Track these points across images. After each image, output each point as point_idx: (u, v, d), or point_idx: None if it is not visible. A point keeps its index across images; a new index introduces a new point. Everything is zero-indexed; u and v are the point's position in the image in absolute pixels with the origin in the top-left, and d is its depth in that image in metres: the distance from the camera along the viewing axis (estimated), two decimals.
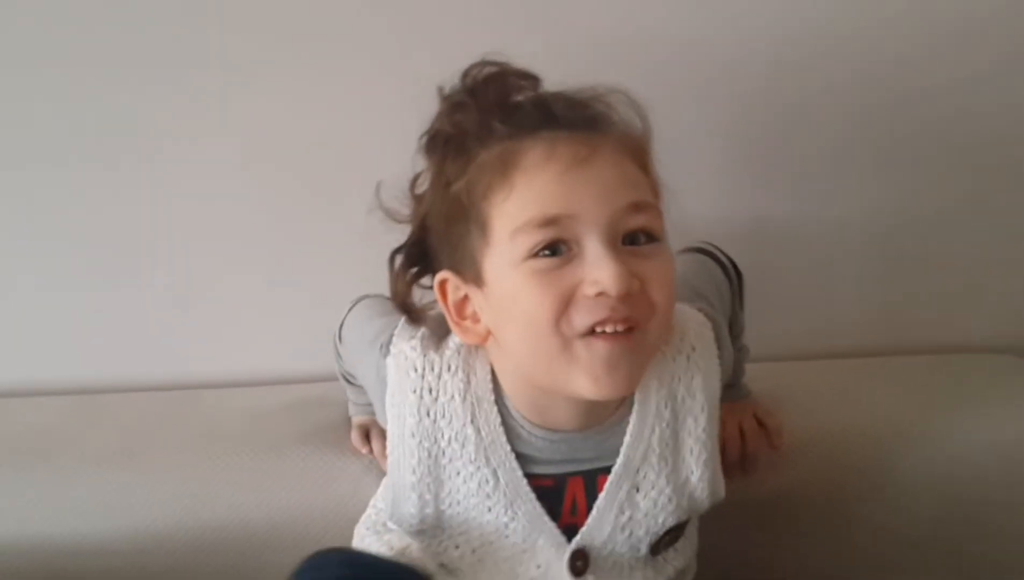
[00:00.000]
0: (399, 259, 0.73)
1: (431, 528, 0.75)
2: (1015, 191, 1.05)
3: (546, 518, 0.73)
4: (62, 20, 0.95)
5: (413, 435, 0.72)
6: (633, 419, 0.72)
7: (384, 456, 0.90)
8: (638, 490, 0.73)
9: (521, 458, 0.72)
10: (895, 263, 1.07)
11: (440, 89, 0.69)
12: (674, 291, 0.66)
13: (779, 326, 1.04)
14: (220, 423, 0.97)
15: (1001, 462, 0.94)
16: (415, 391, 0.72)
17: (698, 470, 0.74)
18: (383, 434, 0.91)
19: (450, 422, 0.72)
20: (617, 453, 0.72)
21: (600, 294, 0.62)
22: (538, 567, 0.74)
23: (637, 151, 0.67)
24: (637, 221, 0.64)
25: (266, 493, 0.91)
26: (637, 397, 0.72)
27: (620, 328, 0.63)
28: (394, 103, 0.96)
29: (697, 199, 0.98)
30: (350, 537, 0.89)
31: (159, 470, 0.92)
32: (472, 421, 0.72)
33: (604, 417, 0.72)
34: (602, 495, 0.73)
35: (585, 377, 0.64)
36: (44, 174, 1.00)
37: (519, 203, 0.64)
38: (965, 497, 0.93)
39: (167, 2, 0.95)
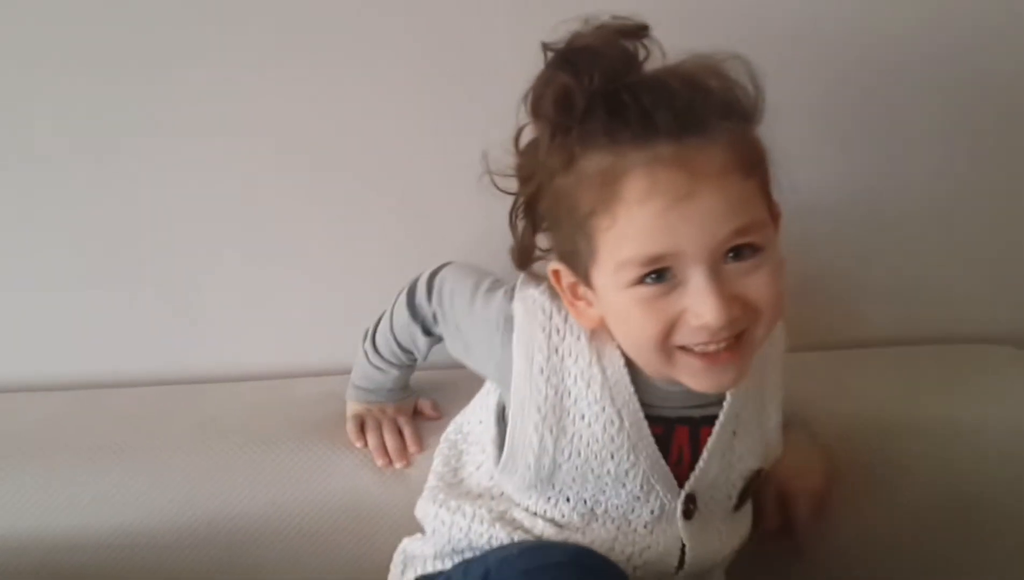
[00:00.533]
0: (520, 221, 0.75)
1: (542, 483, 0.77)
2: (1016, 181, 1.04)
3: (663, 463, 0.75)
4: (62, 16, 0.94)
5: (542, 372, 0.74)
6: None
7: (379, 448, 0.91)
8: (735, 434, 0.77)
9: (641, 407, 0.75)
10: (894, 253, 1.06)
11: (544, 45, 0.68)
12: (780, 292, 0.68)
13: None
14: (215, 418, 0.96)
15: (1000, 453, 0.93)
16: (544, 330, 0.74)
17: (775, 415, 0.81)
18: (378, 426, 0.93)
19: (576, 361, 0.74)
20: (719, 404, 0.76)
21: (703, 325, 0.65)
22: (652, 512, 0.77)
23: (744, 153, 0.66)
24: (740, 241, 0.65)
25: (261, 488, 0.91)
26: None
27: (723, 346, 0.67)
28: (394, 96, 0.97)
29: None
30: (345, 531, 0.90)
31: (154, 465, 0.92)
32: (599, 361, 0.73)
33: None
34: (711, 439, 0.76)
35: (687, 377, 0.69)
36: (42, 171, 0.99)
37: (623, 237, 0.65)
38: (963, 488, 0.92)
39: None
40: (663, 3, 0.70)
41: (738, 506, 0.80)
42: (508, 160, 0.74)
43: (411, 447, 0.92)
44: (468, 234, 0.97)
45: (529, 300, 0.75)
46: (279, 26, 0.95)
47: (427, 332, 0.87)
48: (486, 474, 0.82)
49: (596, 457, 0.75)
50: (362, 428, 0.93)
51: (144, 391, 1.03)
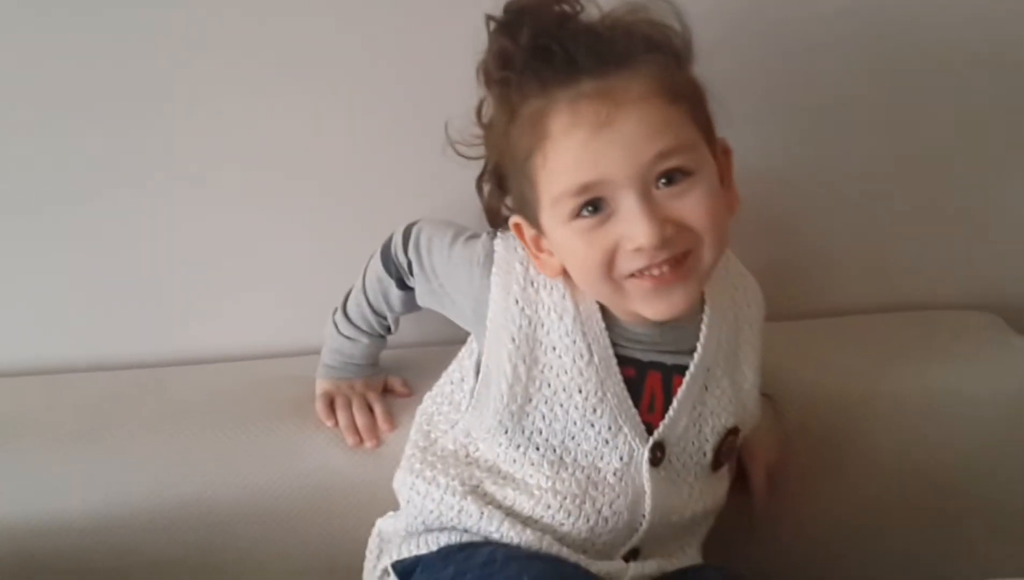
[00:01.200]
0: (485, 185, 0.80)
1: (514, 422, 0.77)
2: (1000, 147, 1.03)
3: (630, 403, 0.77)
4: (48, 49, 0.93)
5: (517, 302, 0.77)
6: (706, 318, 0.78)
7: (350, 427, 0.91)
8: (707, 388, 0.79)
9: (612, 343, 0.77)
10: (875, 220, 1.05)
11: (487, 20, 0.73)
12: (717, 213, 0.71)
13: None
14: (185, 401, 0.96)
15: (977, 420, 0.93)
16: (522, 263, 0.78)
17: (751, 376, 0.82)
18: (348, 404, 0.92)
19: (551, 293, 0.77)
20: (690, 354, 0.78)
21: (639, 248, 0.68)
22: (621, 459, 0.77)
23: (666, 82, 0.69)
24: (667, 164, 0.68)
25: (233, 469, 0.90)
26: (708, 299, 0.78)
27: (666, 269, 0.69)
28: (370, 90, 0.96)
29: None
30: (318, 511, 0.90)
31: (125, 448, 0.92)
32: (572, 295, 0.76)
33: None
34: (682, 388, 0.77)
35: (641, 305, 0.72)
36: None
37: (553, 172, 0.69)
38: (939, 457, 0.93)
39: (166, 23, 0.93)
40: None
41: (716, 466, 0.81)
42: (474, 131, 0.78)
43: (382, 425, 0.91)
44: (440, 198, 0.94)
45: (510, 238, 0.79)
46: (272, 35, 0.94)
47: (401, 285, 0.87)
48: (461, 431, 0.82)
49: (565, 389, 0.76)
50: (332, 407, 0.92)
51: (111, 375, 1.02)
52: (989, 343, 0.99)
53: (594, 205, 0.69)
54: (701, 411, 0.79)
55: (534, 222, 0.74)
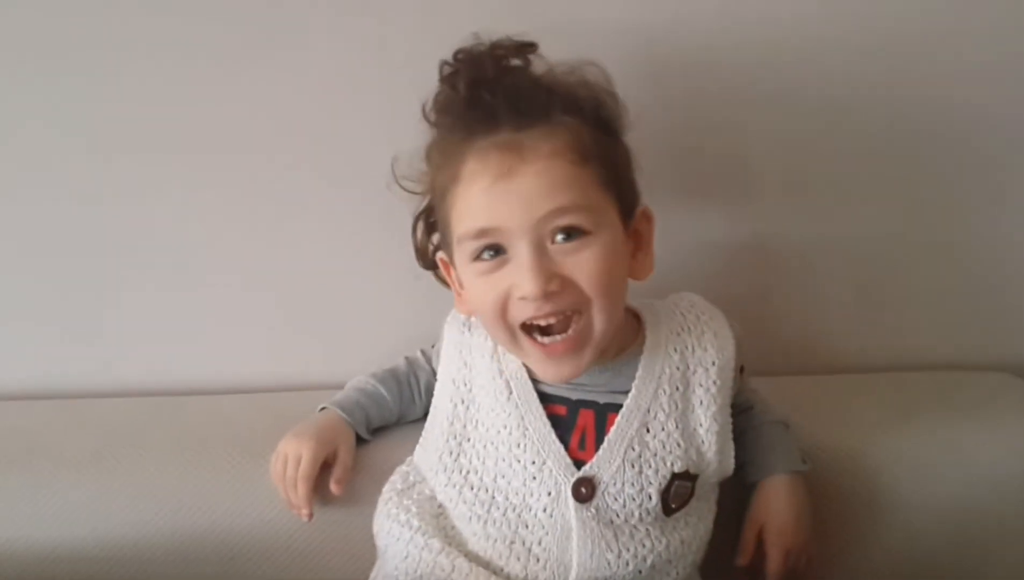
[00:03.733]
0: (420, 224, 0.84)
1: (453, 460, 0.80)
2: (1009, 210, 1.04)
3: (554, 437, 0.78)
4: (44, 17, 0.93)
5: (455, 345, 0.84)
6: (643, 360, 0.79)
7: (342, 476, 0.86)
8: (648, 430, 0.78)
9: (533, 381, 0.80)
10: (890, 279, 1.06)
11: (440, 64, 0.77)
12: (608, 278, 0.73)
13: (771, 341, 1.03)
14: (201, 430, 0.95)
15: (995, 480, 0.92)
16: (462, 321, 0.84)
17: (707, 421, 0.80)
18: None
19: (478, 335, 0.82)
20: (625, 392, 0.78)
21: (524, 297, 0.71)
22: (548, 494, 0.77)
23: (577, 144, 0.73)
24: (562, 222, 0.71)
25: (247, 501, 0.90)
26: (648, 337, 0.80)
27: (552, 321, 0.73)
28: (378, 104, 0.96)
29: (691, 219, 1.00)
30: (329, 545, 0.89)
31: (139, 476, 0.91)
32: (493, 338, 0.80)
33: (609, 355, 0.79)
34: (613, 428, 0.78)
35: (533, 365, 0.77)
36: (28, 177, 0.99)
37: (460, 213, 0.74)
38: (958, 516, 0.92)
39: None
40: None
41: (669, 510, 0.78)
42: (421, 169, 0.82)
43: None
44: None
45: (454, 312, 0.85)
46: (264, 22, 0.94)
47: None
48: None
49: (493, 426, 0.79)
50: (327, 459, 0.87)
51: (129, 402, 1.02)
52: (1010, 403, 0.99)
53: (495, 249, 0.73)
54: (641, 452, 0.78)
55: (451, 259, 0.79)
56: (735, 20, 0.94)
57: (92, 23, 0.93)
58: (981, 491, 0.92)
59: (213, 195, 1.00)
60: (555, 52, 0.76)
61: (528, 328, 0.74)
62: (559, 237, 0.71)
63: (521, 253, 0.71)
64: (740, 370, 0.90)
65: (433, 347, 0.91)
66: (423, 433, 0.85)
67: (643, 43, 0.93)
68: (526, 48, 0.76)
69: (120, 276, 1.02)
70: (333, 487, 0.85)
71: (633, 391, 0.78)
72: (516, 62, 0.76)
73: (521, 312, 0.73)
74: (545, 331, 0.74)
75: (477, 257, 0.73)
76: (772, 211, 1.02)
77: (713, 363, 0.81)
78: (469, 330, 0.83)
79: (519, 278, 0.71)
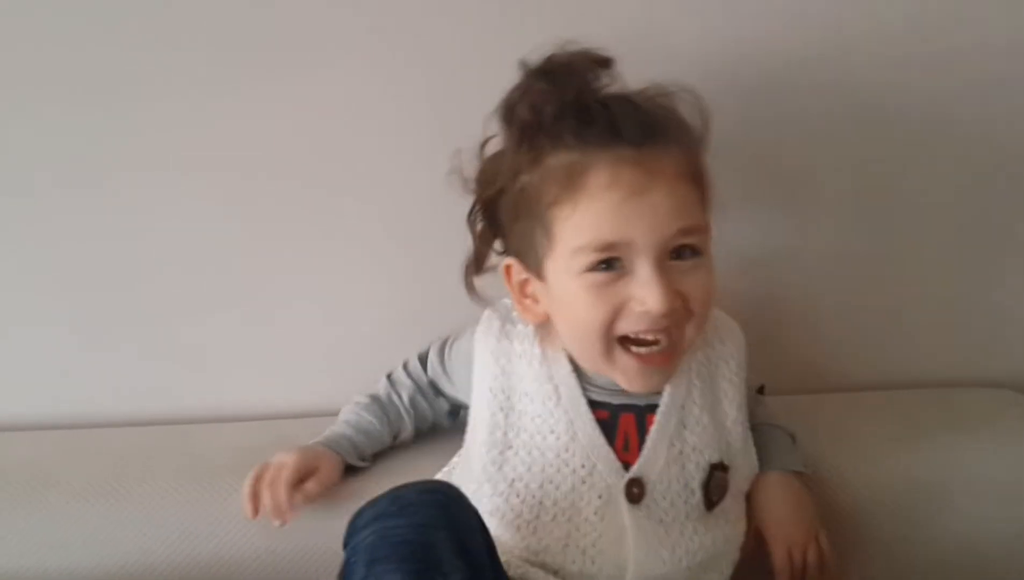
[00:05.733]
0: (478, 223, 0.83)
1: (497, 469, 0.80)
2: (1013, 225, 1.04)
3: (603, 441, 0.79)
4: (32, 40, 0.94)
5: (492, 353, 0.83)
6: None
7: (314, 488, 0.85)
8: (685, 426, 0.80)
9: (580, 387, 0.80)
10: (892, 296, 1.06)
11: (522, 63, 0.77)
12: (711, 299, 0.76)
13: (776, 360, 1.03)
14: (210, 459, 0.95)
15: (1004, 497, 0.92)
16: (500, 319, 0.84)
17: (732, 412, 0.83)
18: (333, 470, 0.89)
19: (521, 341, 0.82)
20: (659, 393, 0.80)
21: (646, 311, 0.72)
22: (599, 497, 0.78)
23: (692, 167, 0.76)
24: (685, 241, 0.74)
25: (254, 529, 0.89)
26: None
27: (656, 349, 0.74)
28: (388, 127, 0.97)
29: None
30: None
31: (147, 506, 0.91)
32: (539, 342, 0.82)
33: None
34: (654, 426, 0.79)
35: (621, 376, 0.77)
36: (29, 207, 1.00)
37: (581, 224, 0.73)
38: (968, 534, 0.91)
39: (143, 23, 0.94)
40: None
41: (710, 504, 0.80)
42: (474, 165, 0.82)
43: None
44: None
45: (488, 310, 0.85)
46: (262, 43, 0.95)
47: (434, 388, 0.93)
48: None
49: (539, 432, 0.80)
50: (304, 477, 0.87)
51: (136, 431, 1.02)
52: (1014, 420, 0.99)
53: (608, 263, 0.73)
54: (681, 448, 0.80)
55: (535, 267, 0.78)
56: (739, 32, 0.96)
57: (128, 53, 0.95)
58: (991, 509, 0.91)
59: (214, 221, 1.00)
60: None
61: (625, 340, 0.75)
62: (673, 256, 0.73)
63: (645, 268, 0.72)
64: (760, 389, 0.93)
65: (443, 350, 0.91)
66: (463, 449, 0.85)
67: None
68: (606, 63, 0.77)
69: (127, 305, 1.03)
70: (300, 494, 0.84)
71: (668, 389, 0.80)
72: (601, 79, 0.76)
73: (634, 325, 0.74)
74: (641, 343, 0.75)
75: (591, 269, 0.73)
76: (774, 229, 1.03)
77: (732, 357, 0.84)
78: (507, 338, 0.83)
79: (644, 293, 0.72)
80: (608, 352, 0.76)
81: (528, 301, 0.80)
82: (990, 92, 0.99)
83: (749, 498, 0.85)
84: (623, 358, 0.75)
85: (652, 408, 0.80)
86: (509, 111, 0.77)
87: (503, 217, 0.79)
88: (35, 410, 1.05)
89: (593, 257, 0.73)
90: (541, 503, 0.79)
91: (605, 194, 0.72)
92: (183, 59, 0.95)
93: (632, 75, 0.76)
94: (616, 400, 0.80)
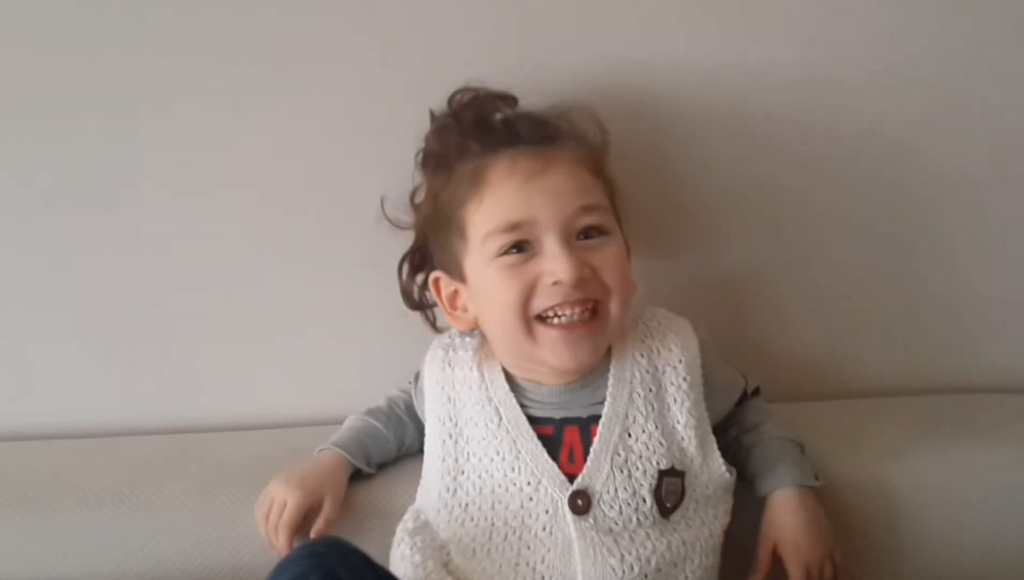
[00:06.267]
0: (405, 266, 0.90)
1: (452, 495, 0.82)
2: (1011, 228, 1.04)
3: (547, 457, 0.80)
4: (40, 60, 0.96)
5: (438, 382, 0.86)
6: (612, 368, 0.83)
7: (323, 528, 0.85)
8: (629, 434, 0.81)
9: (521, 406, 0.83)
10: (903, 301, 1.06)
11: (431, 113, 0.87)
12: (626, 274, 0.81)
13: (784, 367, 1.04)
14: (225, 467, 0.96)
15: (1017, 503, 0.91)
16: (443, 348, 0.88)
17: (683, 417, 0.83)
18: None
19: (461, 368, 0.86)
20: (601, 402, 0.82)
21: (556, 282, 0.76)
22: (546, 512, 0.79)
23: (590, 160, 0.82)
24: (588, 220, 0.79)
25: None
26: (614, 350, 0.84)
27: (576, 312, 0.78)
28: (385, 139, 0.97)
29: (705, 241, 1.01)
30: None
31: (163, 514, 0.92)
32: (478, 367, 0.85)
33: (586, 371, 0.82)
34: (596, 438, 0.81)
35: (549, 353, 0.79)
36: (47, 219, 1.01)
37: (488, 212, 0.79)
38: (981, 541, 0.91)
39: (150, 40, 0.96)
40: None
41: (665, 511, 0.79)
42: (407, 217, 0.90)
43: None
44: None
45: (435, 339, 0.90)
46: (268, 62, 0.97)
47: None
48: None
49: (486, 455, 0.82)
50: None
51: (151, 439, 1.03)
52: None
53: (519, 247, 0.78)
54: (627, 456, 0.80)
55: (457, 273, 0.83)
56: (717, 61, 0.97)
57: (143, 71, 0.97)
58: (1004, 514, 0.91)
59: (228, 231, 1.02)
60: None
61: (544, 318, 0.78)
62: (581, 236, 0.78)
63: (552, 243, 0.77)
64: (755, 391, 0.92)
65: (412, 383, 0.93)
66: (421, 478, 0.87)
67: (626, 82, 0.96)
68: (510, 99, 0.86)
69: (141, 314, 1.04)
70: (313, 535, 0.85)
71: (608, 399, 0.82)
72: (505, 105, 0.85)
73: (549, 299, 0.77)
74: (560, 318, 0.78)
75: (503, 253, 0.78)
76: (781, 237, 1.03)
77: (680, 361, 0.84)
78: (450, 366, 0.86)
79: (552, 265, 0.76)
80: (529, 332, 0.79)
81: (458, 311, 0.85)
82: (988, 98, 0.99)
83: (764, 515, 0.85)
84: (545, 333, 0.78)
85: (596, 419, 0.81)
86: (424, 155, 0.87)
87: (428, 239, 0.86)
88: (51, 419, 1.06)
89: (502, 240, 0.78)
90: (493, 524, 0.80)
91: (506, 181, 0.78)
92: (194, 81, 0.97)
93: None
94: (558, 414, 0.82)
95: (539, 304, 0.78)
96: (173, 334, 1.05)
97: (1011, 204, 1.03)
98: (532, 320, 0.78)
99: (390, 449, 0.93)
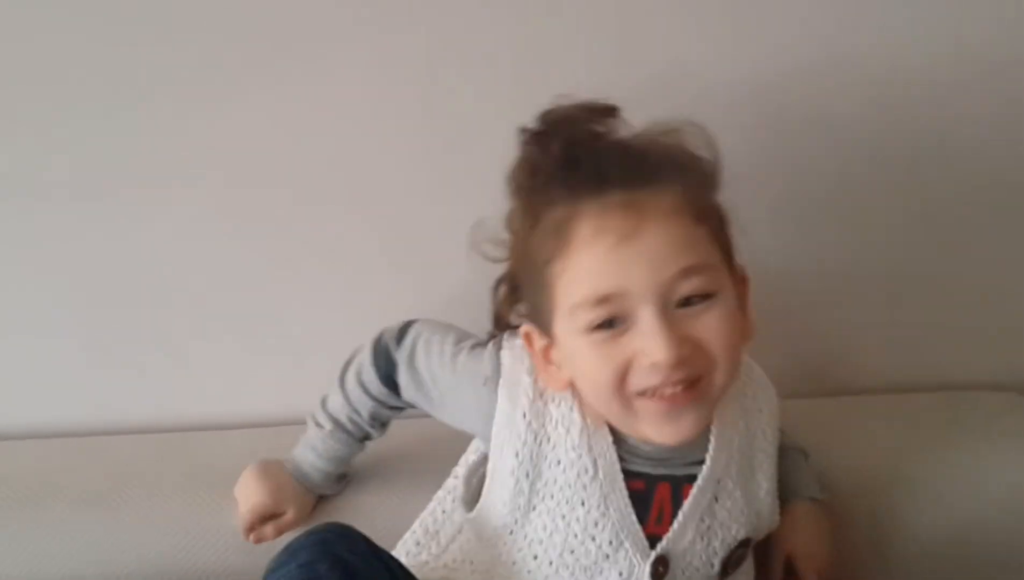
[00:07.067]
0: (502, 289, 0.80)
1: (517, 528, 0.77)
2: (1016, 227, 1.05)
3: (634, 518, 0.75)
4: (41, 41, 0.94)
5: (524, 415, 0.76)
6: (714, 429, 0.76)
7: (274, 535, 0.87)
8: (717, 500, 0.77)
9: (620, 459, 0.75)
10: (895, 300, 1.06)
11: (520, 131, 0.73)
12: (734, 338, 0.70)
13: (779, 363, 1.02)
14: (211, 466, 0.95)
15: (1008, 501, 0.92)
16: (530, 374, 0.76)
17: (766, 483, 0.80)
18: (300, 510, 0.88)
19: (559, 406, 0.76)
20: (701, 463, 0.76)
21: (653, 362, 0.67)
22: (620, 574, 0.75)
23: (695, 203, 0.69)
24: (689, 286, 0.68)
25: None
26: (716, 411, 0.75)
27: (679, 389, 0.68)
28: (389, 131, 0.97)
29: None
30: None
31: (148, 513, 0.91)
32: (579, 408, 0.75)
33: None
34: (688, 500, 0.75)
35: (649, 427, 0.71)
36: (33, 214, 1.00)
37: (575, 280, 0.69)
38: (973, 538, 0.91)
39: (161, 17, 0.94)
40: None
41: (724, 574, 0.78)
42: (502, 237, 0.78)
43: None
44: (459, 284, 0.93)
45: (517, 349, 0.78)
46: (277, 42, 0.95)
47: (388, 381, 0.84)
48: (465, 538, 0.82)
49: (568, 502, 0.75)
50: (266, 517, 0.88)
51: (135, 439, 1.02)
52: (1020, 423, 0.99)
53: (610, 322, 0.68)
54: (711, 524, 0.77)
55: (546, 331, 0.73)
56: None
57: (139, 63, 0.95)
58: (995, 512, 0.91)
59: (216, 228, 1.01)
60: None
61: (643, 395, 0.70)
62: (685, 303, 0.68)
63: (647, 318, 0.67)
64: None
65: (426, 388, 0.83)
66: (481, 499, 0.80)
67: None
68: (609, 111, 0.73)
69: (127, 312, 1.03)
70: (255, 537, 0.87)
71: (708, 462, 0.76)
72: (602, 127, 0.72)
73: (646, 380, 0.68)
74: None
75: (593, 328, 0.68)
76: (775, 230, 1.02)
77: (769, 425, 0.80)
78: (543, 401, 0.76)
79: (648, 344, 0.67)
80: (628, 407, 0.70)
81: (552, 368, 0.75)
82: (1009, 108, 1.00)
83: (779, 527, 0.84)
84: (645, 406, 0.70)
85: (691, 478, 0.76)
86: (511, 181, 0.75)
87: (519, 284, 0.78)
88: (37, 418, 1.05)
89: (592, 315, 0.68)
90: (557, 571, 0.76)
91: (593, 243, 0.67)
92: (191, 71, 0.95)
93: (656, 112, 0.73)
94: (656, 471, 0.76)
95: (637, 383, 0.69)
96: (159, 332, 1.04)
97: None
98: (630, 397, 0.70)
99: (355, 454, 0.91)
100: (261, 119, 0.97)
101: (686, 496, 0.76)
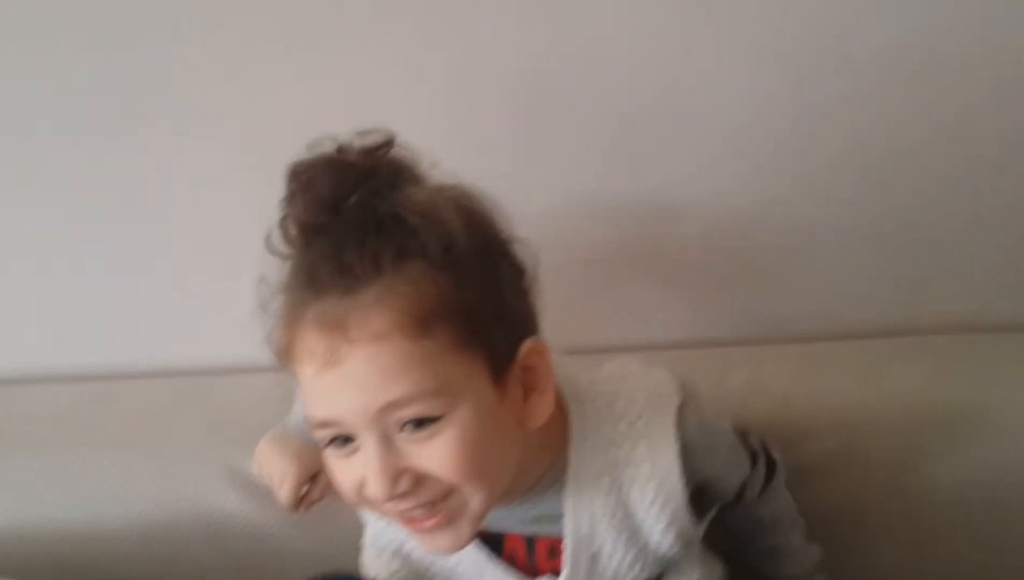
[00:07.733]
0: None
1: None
2: None
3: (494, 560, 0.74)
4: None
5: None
6: (568, 499, 0.71)
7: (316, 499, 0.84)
8: (597, 560, 0.72)
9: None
10: (914, 239, 1.03)
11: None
12: (473, 459, 0.61)
13: (792, 306, 1.02)
14: (231, 410, 0.96)
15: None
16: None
17: (658, 536, 0.72)
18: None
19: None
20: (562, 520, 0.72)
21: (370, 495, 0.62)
22: None
23: (416, 313, 0.59)
24: (405, 414, 0.60)
25: None
26: (571, 465, 0.70)
27: (417, 514, 0.63)
28: (401, 90, 0.95)
29: (705, 179, 0.98)
30: (360, 527, 0.89)
31: (168, 457, 0.92)
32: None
33: (526, 488, 0.71)
34: (565, 568, 0.72)
35: (416, 538, 0.66)
36: (48, 154, 0.99)
37: (303, 397, 0.63)
38: (993, 482, 0.90)
39: None
40: None
41: None
42: None
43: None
44: None
45: None
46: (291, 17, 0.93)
47: None
48: None
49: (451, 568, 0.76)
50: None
51: (152, 382, 1.03)
52: None
53: (344, 438, 0.62)
54: (602, 575, 0.73)
55: None
56: None
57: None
58: (1020, 456, 0.90)
59: (236, 170, 0.99)
60: None
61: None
62: (407, 426, 0.60)
63: (368, 445, 0.61)
64: (770, 466, 0.82)
65: None
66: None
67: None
68: (377, 151, 0.63)
69: (143, 255, 1.03)
70: (304, 506, 0.83)
71: (569, 528, 0.71)
72: (349, 186, 0.61)
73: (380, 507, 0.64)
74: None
75: (329, 444, 0.63)
76: (784, 174, 1.00)
77: (648, 480, 0.70)
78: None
79: (367, 475, 0.61)
80: (387, 516, 0.66)
81: None
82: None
83: None
84: (397, 523, 0.66)
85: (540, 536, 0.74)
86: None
87: None
88: (56, 363, 1.06)
89: (321, 433, 0.63)
90: None
91: (304, 365, 0.61)
92: (211, 11, 0.93)
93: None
94: (528, 530, 0.74)
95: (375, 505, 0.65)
96: (177, 276, 1.03)
97: None
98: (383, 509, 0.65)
99: None
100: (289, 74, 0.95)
101: (561, 563, 0.73)
